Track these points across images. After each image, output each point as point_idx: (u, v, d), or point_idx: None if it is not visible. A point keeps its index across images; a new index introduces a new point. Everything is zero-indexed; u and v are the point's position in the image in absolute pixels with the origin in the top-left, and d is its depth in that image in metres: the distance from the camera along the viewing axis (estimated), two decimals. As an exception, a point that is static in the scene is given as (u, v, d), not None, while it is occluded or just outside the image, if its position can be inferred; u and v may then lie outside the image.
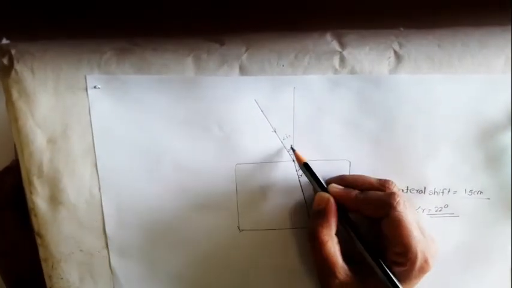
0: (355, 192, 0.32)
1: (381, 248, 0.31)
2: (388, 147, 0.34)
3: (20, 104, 0.31)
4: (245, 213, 0.34)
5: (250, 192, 0.34)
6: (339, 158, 0.34)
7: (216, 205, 0.34)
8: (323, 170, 0.33)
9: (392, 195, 0.30)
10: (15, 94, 0.31)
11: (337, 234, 0.31)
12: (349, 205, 0.32)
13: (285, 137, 0.33)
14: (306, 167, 0.33)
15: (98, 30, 0.33)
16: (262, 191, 0.34)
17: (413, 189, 0.34)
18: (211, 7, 0.36)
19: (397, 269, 0.30)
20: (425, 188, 0.34)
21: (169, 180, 0.34)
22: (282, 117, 0.33)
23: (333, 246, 0.31)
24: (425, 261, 0.30)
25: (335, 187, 0.32)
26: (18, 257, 0.37)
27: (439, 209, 0.35)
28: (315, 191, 0.33)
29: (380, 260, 0.30)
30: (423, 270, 0.30)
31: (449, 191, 0.34)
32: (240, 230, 0.35)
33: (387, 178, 0.33)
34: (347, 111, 0.33)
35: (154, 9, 0.35)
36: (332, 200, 0.31)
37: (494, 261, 0.36)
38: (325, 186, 0.32)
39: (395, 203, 0.30)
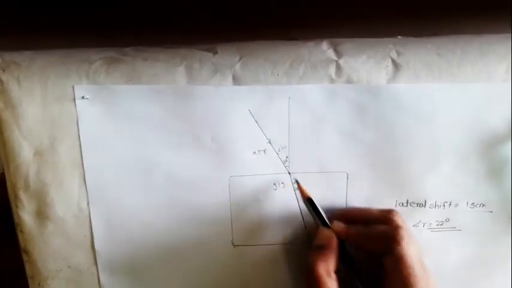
0: (358, 228, 0.31)
1: (382, 283, 0.30)
2: (386, 159, 0.33)
3: (6, 115, 0.30)
4: (239, 228, 0.33)
5: (245, 206, 0.33)
6: (336, 170, 0.33)
7: (209, 219, 0.33)
8: (319, 183, 0.32)
9: (396, 229, 0.30)
10: (0, 105, 0.30)
11: (337, 271, 0.30)
12: (352, 241, 0.31)
13: (280, 148, 0.32)
14: (309, 203, 0.32)
15: (86, 39, 0.32)
16: (257, 205, 0.33)
17: (413, 202, 0.33)
18: (211, 17, 0.36)
19: None
20: (425, 201, 0.33)
21: (161, 194, 0.33)
22: (277, 127, 0.32)
23: (331, 284, 0.29)
24: None
25: (338, 225, 0.31)
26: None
27: (441, 223, 0.34)
28: (317, 225, 0.32)
29: None
30: None
31: (450, 204, 0.33)
32: (234, 246, 0.34)
33: (391, 207, 0.32)
34: (344, 121, 0.32)
35: (145, 19, 0.35)
36: (335, 238, 0.31)
37: (498, 275, 0.35)
38: (328, 222, 0.31)
39: (399, 238, 0.29)
